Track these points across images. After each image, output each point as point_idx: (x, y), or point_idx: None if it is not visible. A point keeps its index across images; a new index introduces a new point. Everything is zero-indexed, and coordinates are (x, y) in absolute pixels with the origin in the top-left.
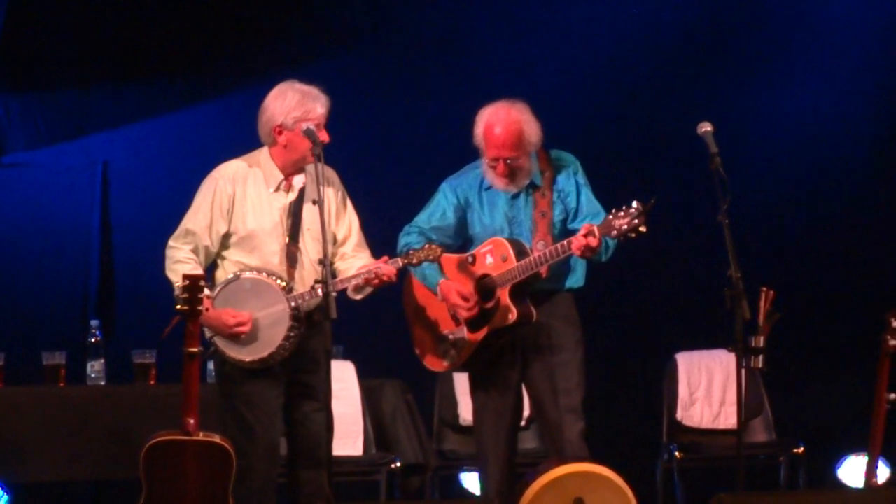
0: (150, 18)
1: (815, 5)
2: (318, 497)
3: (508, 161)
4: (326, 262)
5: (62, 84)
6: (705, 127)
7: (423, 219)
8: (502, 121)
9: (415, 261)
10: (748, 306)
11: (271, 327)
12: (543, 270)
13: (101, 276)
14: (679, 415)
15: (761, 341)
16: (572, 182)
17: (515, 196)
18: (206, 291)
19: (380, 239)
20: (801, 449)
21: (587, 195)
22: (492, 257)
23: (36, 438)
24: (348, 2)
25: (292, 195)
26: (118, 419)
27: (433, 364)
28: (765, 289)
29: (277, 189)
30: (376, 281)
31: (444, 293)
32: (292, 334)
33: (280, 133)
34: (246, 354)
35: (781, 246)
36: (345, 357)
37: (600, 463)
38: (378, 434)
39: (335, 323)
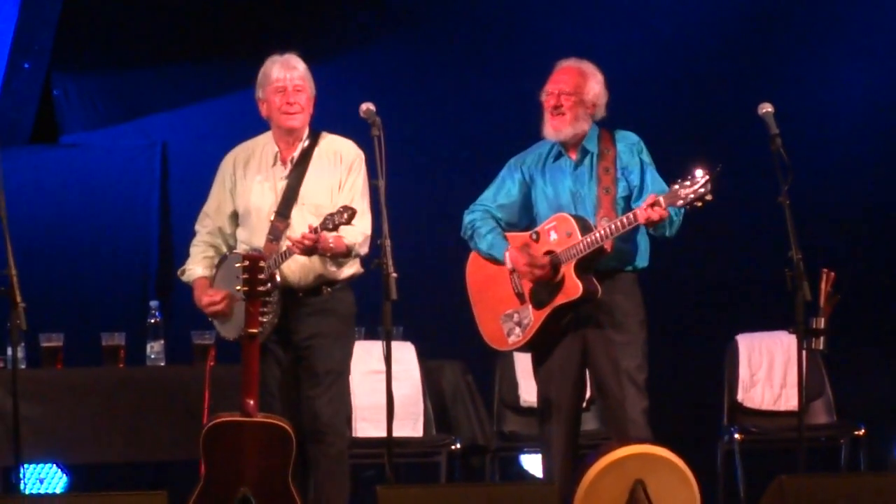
0: (208, 1)
1: None
2: (325, 472)
3: (560, 95)
4: (384, 244)
5: (121, 65)
6: (766, 108)
7: (489, 196)
8: (569, 64)
9: (330, 225)
10: (809, 288)
11: (242, 304)
12: (608, 245)
13: (160, 256)
14: (740, 396)
15: (822, 323)
16: (636, 160)
17: (577, 166)
18: (201, 272)
19: (434, 219)
20: (862, 431)
21: (652, 174)
22: (556, 233)
23: (95, 420)
24: None
25: (289, 167)
26: (178, 400)
27: (498, 343)
28: (825, 270)
29: (275, 163)
30: (296, 250)
31: (514, 260)
32: (264, 309)
33: (262, 105)
34: (227, 332)
35: (842, 227)
36: (405, 338)
37: (661, 444)
38: (438, 415)
39: (395, 304)
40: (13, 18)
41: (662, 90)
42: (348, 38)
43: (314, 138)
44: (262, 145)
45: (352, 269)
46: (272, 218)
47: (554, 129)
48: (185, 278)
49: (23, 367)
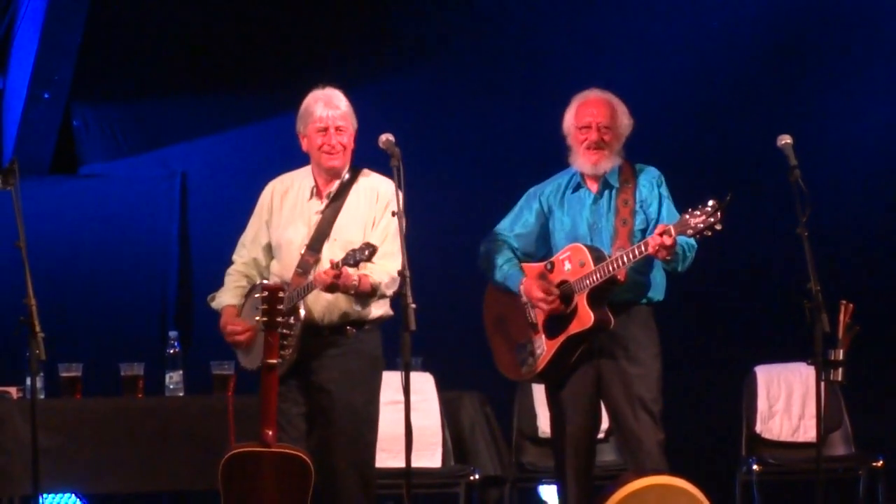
0: (227, 31)
1: (893, 18)
2: None
3: (600, 129)
4: (405, 274)
5: (140, 95)
6: (785, 139)
7: (506, 226)
8: (594, 94)
9: (351, 261)
10: (828, 319)
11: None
12: (621, 275)
13: (180, 287)
14: (758, 428)
15: (841, 354)
16: (655, 193)
17: (597, 199)
18: (229, 300)
19: (453, 250)
20: (881, 463)
21: (669, 207)
22: (570, 263)
23: (114, 450)
24: (422, 15)
25: (325, 202)
26: (196, 430)
27: (511, 373)
28: (844, 302)
29: (311, 197)
30: (318, 285)
31: (527, 291)
32: (284, 342)
33: (302, 140)
34: (248, 362)
35: (861, 259)
36: (424, 369)
37: (679, 475)
38: (457, 446)
39: (414, 335)
40: (33, 49)
41: (682, 121)
42: (367, 70)
43: (353, 174)
44: (302, 178)
45: (380, 310)
46: (302, 251)
47: (592, 162)
48: (213, 305)
49: (42, 396)
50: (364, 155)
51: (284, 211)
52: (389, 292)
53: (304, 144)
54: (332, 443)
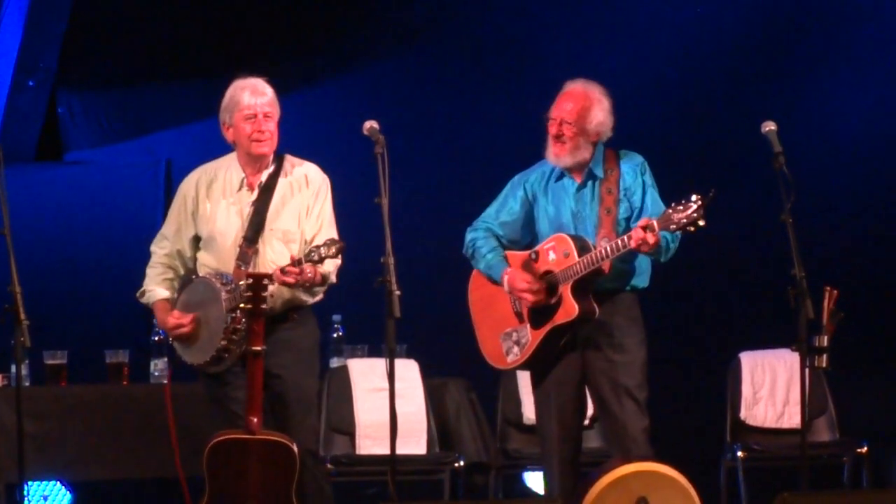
0: (213, 17)
1: (879, 3)
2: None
3: (562, 123)
4: (388, 262)
5: (125, 82)
6: (769, 126)
7: (491, 214)
8: (575, 89)
9: (315, 257)
10: (812, 305)
11: (213, 330)
12: (606, 266)
13: None
14: (743, 414)
15: (825, 340)
16: (639, 181)
17: (581, 188)
18: (162, 293)
19: (438, 237)
20: (865, 448)
21: (653, 195)
22: (554, 254)
23: (99, 437)
24: (407, 1)
25: (256, 193)
26: (181, 418)
27: (497, 361)
28: (829, 288)
29: (241, 188)
30: (291, 279)
31: (511, 282)
32: (234, 336)
33: (227, 130)
34: (191, 357)
35: (846, 245)
36: (408, 356)
37: (664, 462)
38: (442, 433)
39: (399, 322)
40: (18, 36)
41: (666, 107)
42: (352, 56)
43: (279, 163)
44: (226, 168)
45: (318, 295)
46: (240, 244)
47: (555, 155)
48: (144, 300)
49: (27, 384)
50: (348, 141)
51: (212, 202)
52: (335, 279)
53: (230, 135)
54: (289, 427)
